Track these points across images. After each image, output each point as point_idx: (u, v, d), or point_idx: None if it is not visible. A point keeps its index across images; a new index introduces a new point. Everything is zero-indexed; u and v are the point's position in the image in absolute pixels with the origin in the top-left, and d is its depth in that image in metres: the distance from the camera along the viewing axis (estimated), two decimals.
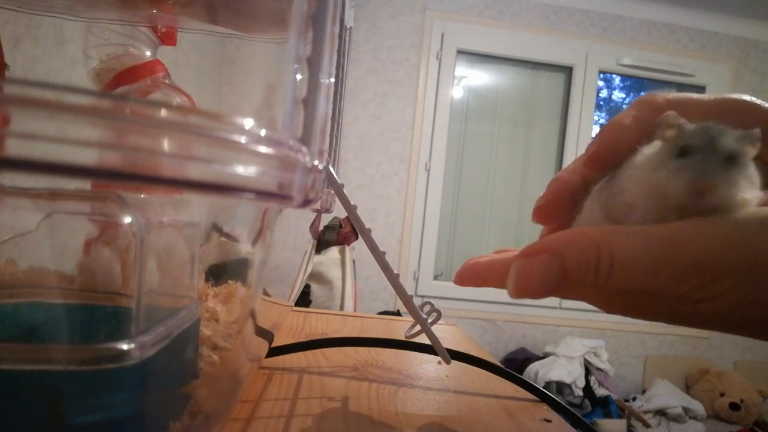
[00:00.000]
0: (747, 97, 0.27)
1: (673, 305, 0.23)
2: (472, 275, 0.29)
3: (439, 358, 0.37)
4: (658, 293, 0.22)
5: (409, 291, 0.34)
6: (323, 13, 0.19)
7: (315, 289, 1.52)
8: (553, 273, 0.23)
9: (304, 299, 1.44)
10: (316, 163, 0.18)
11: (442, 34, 2.67)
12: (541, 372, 2.38)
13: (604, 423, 2.26)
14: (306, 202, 0.17)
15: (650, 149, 0.23)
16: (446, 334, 0.60)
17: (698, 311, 0.22)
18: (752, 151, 0.21)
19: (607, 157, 0.26)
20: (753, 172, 0.21)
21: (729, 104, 0.27)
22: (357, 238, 1.68)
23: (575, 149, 2.72)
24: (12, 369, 0.17)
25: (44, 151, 0.11)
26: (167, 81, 0.39)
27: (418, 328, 0.35)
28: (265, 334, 0.34)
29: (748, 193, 0.21)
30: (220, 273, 0.32)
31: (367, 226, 0.34)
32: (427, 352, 0.42)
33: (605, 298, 0.26)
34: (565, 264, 0.22)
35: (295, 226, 0.39)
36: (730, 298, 0.21)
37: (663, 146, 0.22)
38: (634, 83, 2.93)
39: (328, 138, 0.20)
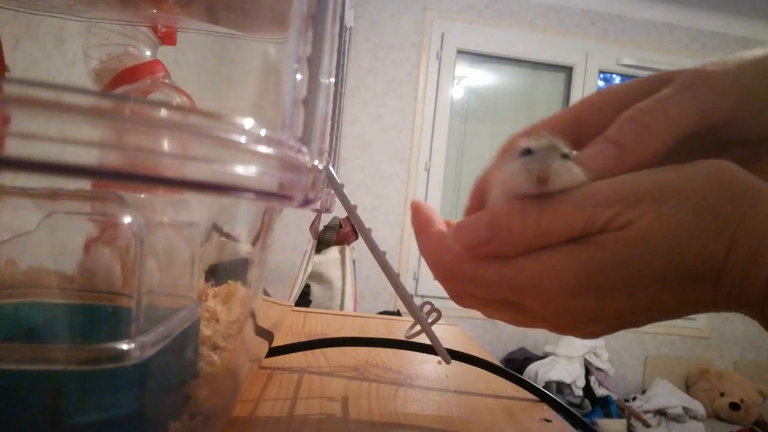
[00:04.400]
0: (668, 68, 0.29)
1: (599, 248, 0.24)
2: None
3: (439, 358, 0.37)
4: (585, 231, 0.24)
5: (409, 291, 0.34)
6: (323, 13, 0.19)
7: (315, 289, 1.52)
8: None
9: (304, 299, 1.44)
10: (316, 163, 0.18)
11: (442, 34, 2.67)
12: (541, 372, 2.37)
13: (604, 423, 2.26)
14: (306, 202, 0.17)
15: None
16: (446, 334, 0.60)
17: (621, 240, 0.23)
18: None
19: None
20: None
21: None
22: (357, 238, 1.68)
23: None
24: (12, 369, 0.17)
25: (44, 151, 0.11)
26: (167, 81, 0.39)
27: (418, 328, 0.35)
28: (265, 334, 0.34)
29: (583, 176, 0.24)
30: (220, 273, 0.32)
31: (367, 226, 0.34)
32: (427, 352, 0.42)
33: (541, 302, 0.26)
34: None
35: (295, 226, 0.39)
36: (645, 220, 0.23)
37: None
38: None
39: (328, 138, 0.20)
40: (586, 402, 2.36)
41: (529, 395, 0.40)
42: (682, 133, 0.26)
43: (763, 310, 0.23)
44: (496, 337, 2.70)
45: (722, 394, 2.52)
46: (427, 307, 0.35)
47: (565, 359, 2.45)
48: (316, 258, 1.58)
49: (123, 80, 0.38)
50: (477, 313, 0.32)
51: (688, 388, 2.68)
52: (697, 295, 0.24)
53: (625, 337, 2.77)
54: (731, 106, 0.26)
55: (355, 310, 1.65)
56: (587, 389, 2.40)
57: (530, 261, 0.25)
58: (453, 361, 0.38)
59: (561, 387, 2.35)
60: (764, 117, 0.27)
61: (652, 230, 0.23)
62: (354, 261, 1.75)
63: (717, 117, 0.26)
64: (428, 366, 0.45)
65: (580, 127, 0.29)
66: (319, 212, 0.40)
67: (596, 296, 0.25)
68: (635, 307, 0.25)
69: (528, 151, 0.25)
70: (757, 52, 0.28)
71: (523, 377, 0.41)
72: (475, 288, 0.27)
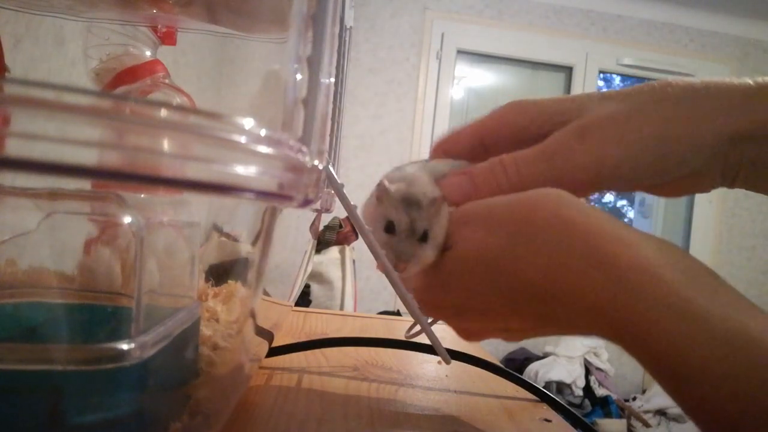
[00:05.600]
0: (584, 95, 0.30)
1: (441, 263, 0.28)
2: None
3: (439, 358, 0.37)
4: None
5: (409, 291, 0.34)
6: (323, 13, 0.19)
7: (315, 289, 1.52)
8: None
9: (304, 299, 1.44)
10: (316, 163, 0.17)
11: (442, 34, 2.67)
12: (541, 372, 2.37)
13: (604, 423, 2.26)
14: (306, 202, 0.17)
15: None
16: (446, 334, 0.60)
17: (449, 258, 0.28)
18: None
19: (448, 148, 0.33)
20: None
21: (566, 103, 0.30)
22: (357, 238, 1.68)
23: None
24: (12, 369, 0.17)
25: (44, 151, 0.11)
26: (167, 81, 0.39)
27: (418, 328, 0.35)
28: (265, 334, 0.34)
29: (430, 254, 0.28)
30: (220, 273, 0.32)
31: (367, 227, 0.34)
32: (427, 352, 0.42)
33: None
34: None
35: (295, 226, 0.39)
36: (464, 240, 0.27)
37: (377, 206, 0.29)
38: (634, 83, 2.92)
39: (328, 138, 0.20)
40: (586, 402, 2.36)
41: (529, 395, 0.40)
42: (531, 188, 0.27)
43: (602, 335, 0.24)
44: None
45: None
46: None
47: (565, 359, 2.45)
48: (316, 258, 1.58)
49: (123, 80, 0.38)
50: None
51: None
52: (555, 316, 0.25)
53: None
54: (588, 179, 0.27)
55: (355, 310, 1.65)
56: (587, 389, 2.40)
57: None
58: (453, 361, 0.38)
59: (561, 387, 2.35)
60: (651, 170, 0.27)
61: (467, 249, 0.27)
62: (354, 261, 1.75)
63: (573, 186, 0.27)
64: (428, 366, 0.45)
65: (483, 142, 0.32)
66: (319, 212, 0.40)
67: (453, 309, 0.29)
68: (497, 322, 0.29)
69: (385, 191, 0.28)
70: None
71: (523, 377, 0.41)
72: None
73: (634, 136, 0.27)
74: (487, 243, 0.26)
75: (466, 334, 0.31)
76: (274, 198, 0.16)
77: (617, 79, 2.91)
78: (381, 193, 0.29)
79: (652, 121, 0.27)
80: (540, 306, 0.25)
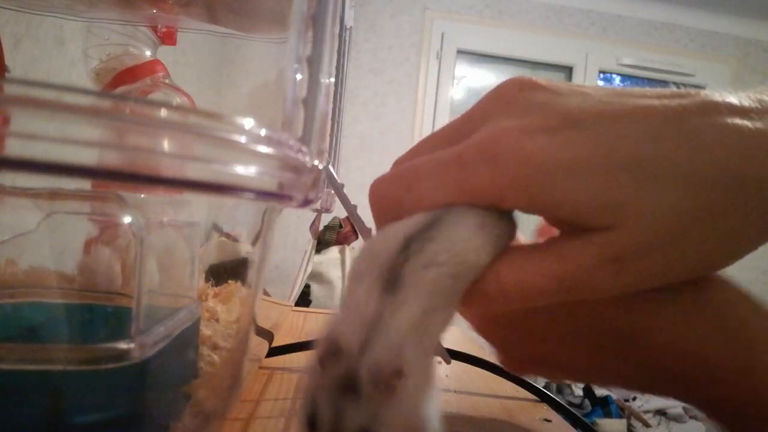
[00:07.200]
0: None
1: None
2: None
3: (439, 358, 0.37)
4: None
5: None
6: (323, 13, 0.19)
7: (315, 289, 1.52)
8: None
9: (304, 299, 1.44)
10: (316, 163, 0.17)
11: (442, 34, 2.67)
12: None
13: (604, 423, 2.26)
14: (306, 202, 0.17)
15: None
16: (446, 334, 0.60)
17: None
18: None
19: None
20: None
21: None
22: (357, 238, 1.68)
23: None
24: (12, 369, 0.17)
25: (44, 151, 0.11)
26: (167, 81, 0.39)
27: None
28: (265, 334, 0.34)
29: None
30: (220, 273, 0.32)
31: (367, 226, 0.34)
32: None
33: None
34: None
35: (295, 226, 0.39)
36: None
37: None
38: (634, 83, 2.93)
39: (328, 138, 0.20)
40: (586, 402, 2.36)
41: (529, 395, 0.40)
42: None
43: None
44: None
45: None
46: None
47: None
48: (316, 258, 1.58)
49: (123, 80, 0.38)
50: None
51: None
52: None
53: None
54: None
55: None
56: (587, 389, 2.40)
57: None
58: (453, 361, 0.38)
59: (561, 387, 2.35)
60: None
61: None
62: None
63: None
64: None
65: None
66: (319, 212, 0.40)
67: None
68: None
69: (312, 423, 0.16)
70: None
71: (523, 377, 0.41)
72: None
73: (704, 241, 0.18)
74: None
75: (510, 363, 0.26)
76: (274, 198, 0.16)
77: (617, 79, 2.91)
78: (315, 361, 0.17)
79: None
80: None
